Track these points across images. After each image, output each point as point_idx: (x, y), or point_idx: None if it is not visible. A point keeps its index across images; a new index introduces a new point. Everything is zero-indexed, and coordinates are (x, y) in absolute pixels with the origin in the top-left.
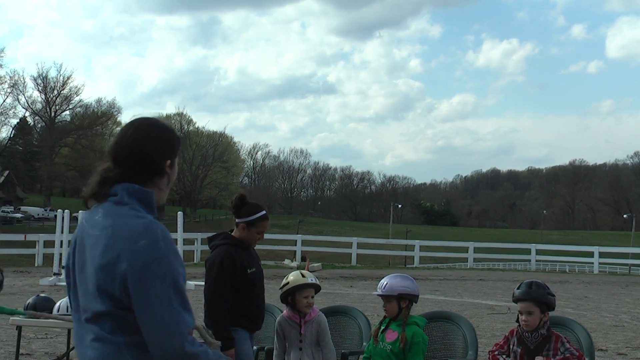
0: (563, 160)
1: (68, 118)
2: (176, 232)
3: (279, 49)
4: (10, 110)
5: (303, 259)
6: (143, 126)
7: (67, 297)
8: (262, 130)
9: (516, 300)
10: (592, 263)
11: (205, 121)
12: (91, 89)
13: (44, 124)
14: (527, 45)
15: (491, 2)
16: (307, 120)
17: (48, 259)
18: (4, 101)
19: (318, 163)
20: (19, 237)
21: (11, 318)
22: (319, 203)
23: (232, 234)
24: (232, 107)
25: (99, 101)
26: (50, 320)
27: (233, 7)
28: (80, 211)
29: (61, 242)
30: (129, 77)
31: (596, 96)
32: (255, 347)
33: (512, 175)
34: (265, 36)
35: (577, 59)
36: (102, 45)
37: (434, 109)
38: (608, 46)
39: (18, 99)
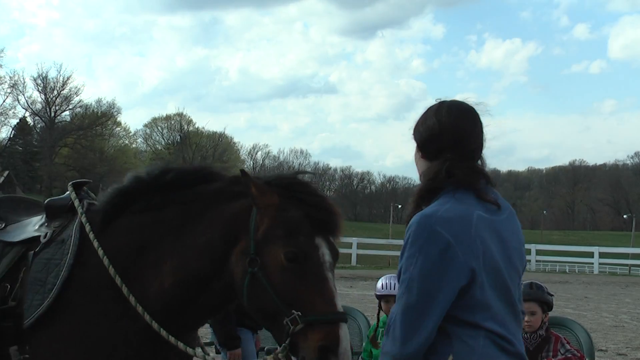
0: (563, 160)
1: (68, 118)
2: None
3: (281, 48)
4: (10, 110)
5: None
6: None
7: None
8: (264, 131)
9: None
10: (592, 263)
11: (206, 121)
12: (92, 89)
13: (43, 124)
14: (529, 45)
15: (495, 2)
16: (308, 121)
17: None
18: (3, 101)
19: (318, 163)
20: None
21: None
22: None
23: None
24: (234, 107)
25: (98, 101)
26: None
27: (236, 6)
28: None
29: None
30: (131, 77)
31: (598, 96)
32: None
33: (512, 175)
34: (267, 36)
35: (579, 59)
36: (103, 45)
37: None
38: (610, 46)
39: (18, 99)
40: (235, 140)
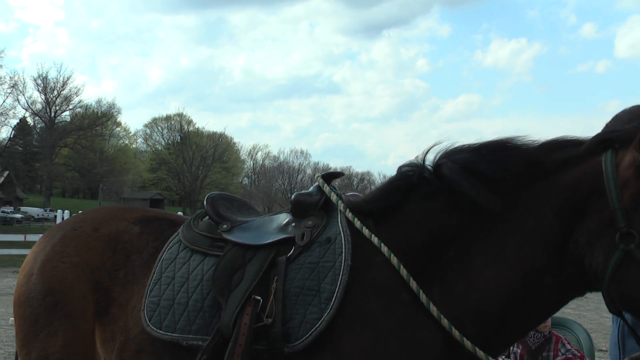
0: None
1: (68, 118)
2: None
3: (286, 48)
4: (10, 110)
5: None
6: None
7: None
8: (266, 131)
9: None
10: None
11: (206, 121)
12: (96, 89)
13: (44, 124)
14: (535, 44)
15: (502, 1)
16: (311, 121)
17: None
18: (4, 102)
19: (318, 163)
20: (19, 237)
21: (11, 318)
22: None
23: None
24: (237, 107)
25: (99, 102)
26: None
27: (242, 6)
28: None
29: None
30: (134, 77)
31: (603, 96)
32: None
33: None
34: (272, 35)
35: (585, 59)
36: (107, 45)
37: (439, 109)
38: (617, 45)
39: (18, 100)
40: (238, 140)
